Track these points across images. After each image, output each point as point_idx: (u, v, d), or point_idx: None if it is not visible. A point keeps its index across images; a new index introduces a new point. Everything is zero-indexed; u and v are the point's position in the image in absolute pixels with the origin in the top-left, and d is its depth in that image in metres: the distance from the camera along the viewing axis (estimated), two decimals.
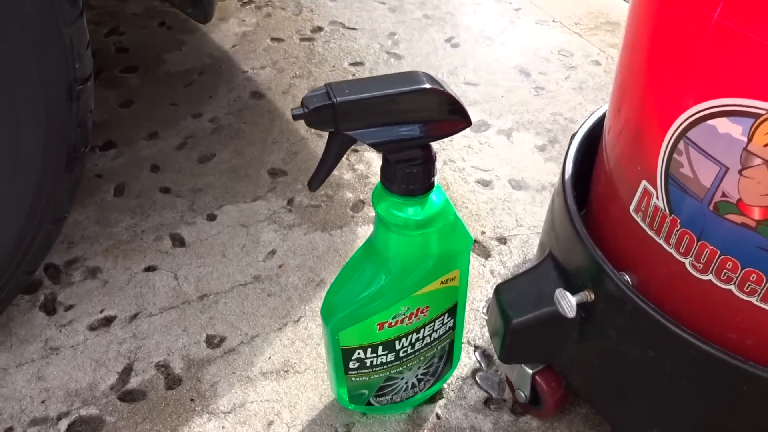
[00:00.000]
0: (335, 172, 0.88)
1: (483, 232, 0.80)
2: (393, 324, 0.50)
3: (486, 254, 0.77)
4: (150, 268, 0.75)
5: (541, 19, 1.23)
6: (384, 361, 0.53)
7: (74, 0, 0.53)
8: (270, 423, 0.60)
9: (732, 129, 0.36)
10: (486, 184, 0.87)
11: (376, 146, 0.42)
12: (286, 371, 0.64)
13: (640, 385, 0.49)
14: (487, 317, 0.67)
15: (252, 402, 0.62)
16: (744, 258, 0.39)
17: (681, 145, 0.39)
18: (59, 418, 0.61)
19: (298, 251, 0.77)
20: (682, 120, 0.38)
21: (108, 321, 0.69)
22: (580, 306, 0.49)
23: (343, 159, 0.90)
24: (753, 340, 0.43)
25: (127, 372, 0.65)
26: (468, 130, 0.95)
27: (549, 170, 0.89)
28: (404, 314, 0.50)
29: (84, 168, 0.63)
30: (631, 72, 0.45)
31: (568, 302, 0.48)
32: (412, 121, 0.42)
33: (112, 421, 0.60)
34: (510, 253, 0.78)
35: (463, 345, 0.67)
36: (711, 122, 0.37)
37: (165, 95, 1.04)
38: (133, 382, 0.64)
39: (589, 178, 0.58)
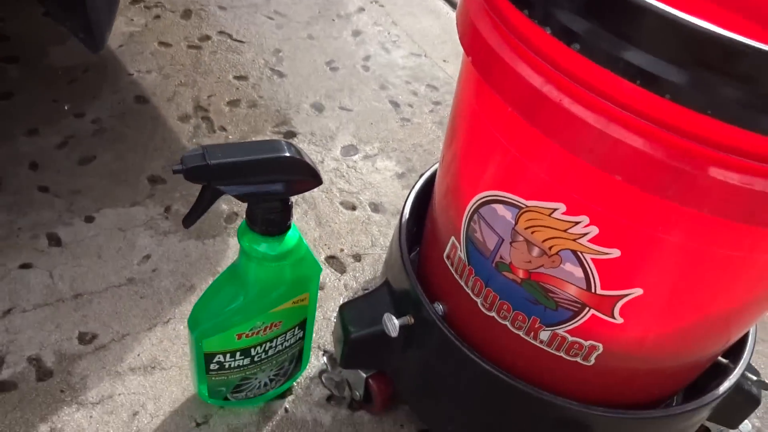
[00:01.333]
0: None
1: (341, 250, 0.92)
2: (250, 335, 0.61)
3: (342, 269, 0.89)
4: (25, 266, 0.80)
5: (415, 52, 1.36)
6: (241, 364, 0.63)
7: None
8: (135, 413, 0.68)
9: (505, 213, 0.49)
10: (349, 206, 0.99)
11: (241, 199, 0.52)
12: (153, 367, 0.72)
13: (443, 391, 0.63)
14: (333, 331, 0.78)
15: (119, 394, 0.69)
16: (514, 303, 0.53)
17: (476, 217, 0.53)
18: None
19: (171, 257, 0.85)
20: (476, 200, 0.52)
21: None
22: (403, 327, 0.62)
23: None
24: (522, 363, 0.57)
25: None
26: (338, 153, 1.07)
27: (404, 196, 1.02)
28: (260, 327, 0.61)
29: None
30: (448, 156, 0.58)
31: (393, 324, 0.60)
32: (273, 181, 0.53)
33: None
34: (363, 269, 0.90)
35: (313, 349, 0.78)
36: (493, 205, 0.50)
37: (47, 90, 1.06)
38: (5, 374, 0.69)
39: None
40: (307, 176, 0.53)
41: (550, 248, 0.47)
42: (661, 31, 0.33)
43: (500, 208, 0.49)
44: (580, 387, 0.55)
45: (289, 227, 0.57)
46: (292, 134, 1.09)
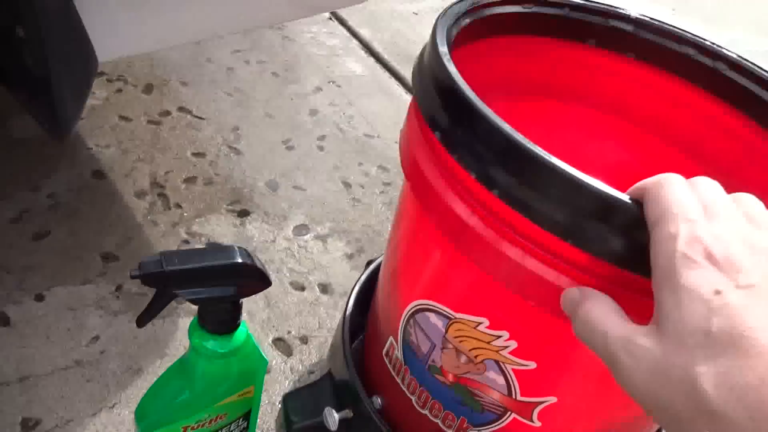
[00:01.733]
0: None
1: (289, 332, 0.95)
2: (195, 427, 0.62)
3: (288, 352, 0.92)
4: None
5: (368, 133, 1.43)
6: None
7: None
8: None
9: (437, 321, 0.54)
10: (298, 286, 1.02)
11: (194, 302, 0.55)
12: None
13: None
14: (276, 418, 0.80)
15: None
16: (445, 403, 0.57)
17: (411, 322, 0.57)
18: None
19: (120, 338, 0.86)
20: (412, 306, 0.56)
21: None
22: (343, 421, 0.65)
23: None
24: None
25: None
26: (290, 232, 1.11)
27: (353, 278, 1.06)
28: (206, 420, 0.63)
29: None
30: (389, 261, 0.62)
31: (333, 419, 0.64)
32: (226, 285, 0.56)
33: None
34: (309, 352, 0.92)
35: None
36: (426, 313, 0.55)
37: (4, 163, 1.08)
38: None
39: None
40: (257, 281, 0.57)
41: (475, 357, 0.52)
42: (561, 187, 0.38)
43: (432, 317, 0.54)
44: None
45: (238, 325, 0.60)
46: (246, 212, 1.12)
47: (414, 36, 1.83)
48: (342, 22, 1.83)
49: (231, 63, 1.53)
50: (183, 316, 0.91)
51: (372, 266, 0.78)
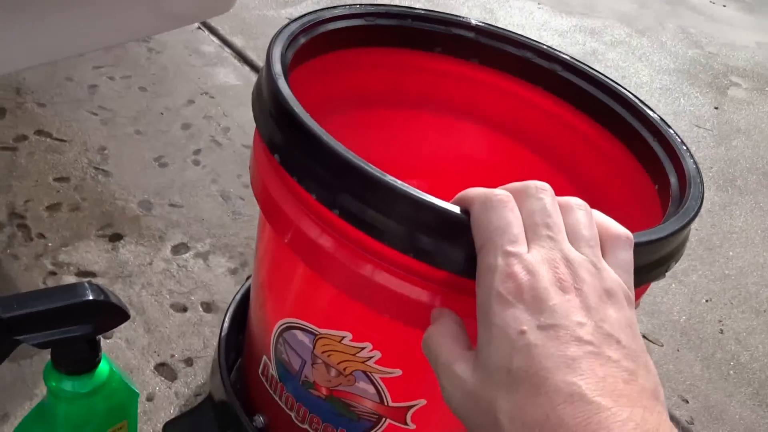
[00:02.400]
0: None
1: (172, 356, 0.92)
2: None
3: (173, 377, 0.89)
4: None
5: (246, 144, 1.41)
6: None
7: None
8: None
9: (304, 338, 0.54)
10: (179, 307, 0.99)
11: (43, 347, 0.53)
12: None
13: None
14: None
15: None
16: (323, 417, 0.57)
17: (281, 340, 0.57)
18: None
19: None
20: (279, 325, 0.56)
21: None
22: None
23: (39, 283, 0.95)
24: None
25: None
26: (168, 253, 1.07)
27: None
28: None
29: None
30: (255, 282, 0.62)
31: None
32: (79, 324, 0.53)
33: None
34: (195, 374, 0.90)
35: None
36: (294, 331, 0.55)
37: None
38: None
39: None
40: (114, 315, 0.55)
41: (344, 369, 0.52)
42: (395, 203, 0.40)
43: (299, 334, 0.54)
44: None
45: (98, 362, 0.57)
46: (118, 236, 1.08)
47: None
48: (213, 32, 1.79)
49: (93, 80, 1.45)
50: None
51: (248, 282, 0.77)
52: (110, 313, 0.55)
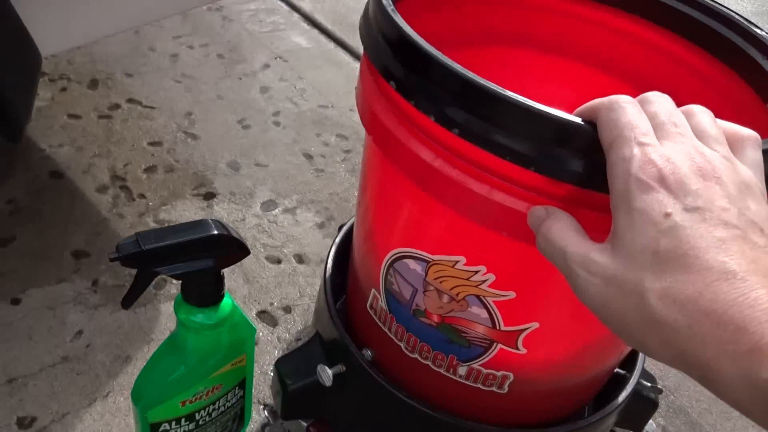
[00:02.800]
0: None
1: (271, 304, 0.96)
2: (193, 400, 0.64)
3: (274, 323, 0.94)
4: None
5: (322, 104, 1.44)
6: (186, 429, 0.66)
7: None
8: None
9: (416, 267, 0.56)
10: (274, 260, 1.04)
11: (176, 278, 0.57)
12: None
13: (378, 429, 0.68)
14: (271, 385, 0.82)
15: None
16: (433, 345, 0.59)
17: (391, 271, 0.59)
18: None
19: (104, 330, 0.86)
20: (390, 256, 0.58)
21: None
22: (337, 376, 0.67)
23: None
24: (446, 397, 0.62)
25: None
26: (258, 209, 1.12)
27: (326, 245, 1.08)
28: (202, 392, 0.64)
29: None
30: (361, 217, 0.64)
31: (326, 375, 0.66)
32: (205, 258, 0.57)
33: None
34: (294, 321, 0.94)
35: (254, 404, 0.82)
36: (405, 260, 0.57)
37: None
38: None
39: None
40: (235, 250, 0.58)
41: (457, 294, 0.54)
42: (517, 117, 0.40)
43: (411, 263, 0.56)
44: (499, 413, 0.62)
45: (222, 296, 0.61)
46: (211, 195, 1.13)
47: (354, 3, 1.82)
48: None
49: (174, 49, 1.51)
50: (163, 302, 0.92)
51: (345, 228, 0.80)
52: (233, 247, 0.58)
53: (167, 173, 1.15)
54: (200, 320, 0.60)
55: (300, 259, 1.04)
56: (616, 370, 0.70)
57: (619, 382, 0.70)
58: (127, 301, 0.57)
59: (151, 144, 1.21)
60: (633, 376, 0.70)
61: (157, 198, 1.09)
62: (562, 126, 0.39)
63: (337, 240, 0.78)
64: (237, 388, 0.69)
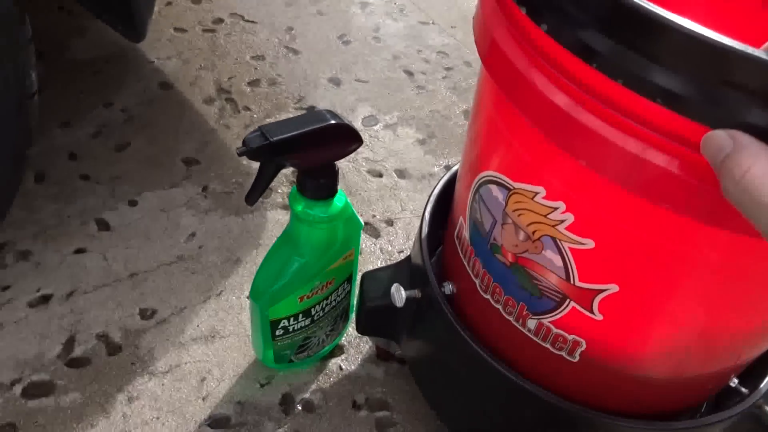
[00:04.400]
0: (244, 161, 1.00)
1: (374, 216, 0.96)
2: (310, 296, 0.65)
3: (376, 234, 0.93)
4: (79, 251, 0.84)
5: (422, 21, 1.39)
6: (303, 325, 0.67)
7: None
8: (203, 379, 0.73)
9: (498, 194, 0.51)
10: (376, 173, 1.02)
11: (299, 168, 0.56)
12: (212, 336, 0.77)
13: (438, 367, 0.66)
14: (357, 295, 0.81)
15: (186, 363, 0.74)
16: (505, 287, 0.54)
17: (477, 197, 0.54)
18: (12, 384, 0.70)
19: (215, 234, 0.89)
20: (479, 179, 0.53)
21: (45, 299, 0.78)
22: (410, 300, 0.64)
23: None
24: (513, 350, 0.58)
25: (70, 342, 0.74)
26: (359, 124, 1.10)
27: (428, 161, 1.06)
28: (318, 287, 0.65)
29: (25, 169, 0.71)
30: (467, 136, 0.60)
31: (399, 295, 0.64)
32: (327, 147, 0.56)
33: (63, 384, 0.70)
34: (396, 233, 0.94)
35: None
36: (490, 186, 0.52)
37: (73, 83, 1.09)
38: (77, 351, 0.74)
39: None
40: (353, 139, 0.57)
41: (533, 233, 0.49)
42: (682, 48, 0.33)
43: (494, 189, 0.51)
44: (566, 383, 0.56)
45: (336, 191, 0.61)
46: (313, 109, 1.12)
47: None
48: None
49: None
50: (270, 209, 0.93)
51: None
52: (349, 137, 0.57)
53: (270, 87, 1.15)
54: (318, 213, 0.60)
55: (401, 174, 1.03)
56: (732, 382, 0.59)
57: (729, 397, 0.60)
58: (252, 197, 0.57)
59: (254, 58, 1.21)
60: (752, 395, 0.58)
61: (262, 111, 1.10)
62: (747, 61, 0.31)
63: (450, 173, 0.74)
64: (345, 282, 0.69)
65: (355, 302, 0.74)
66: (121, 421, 0.68)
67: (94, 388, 0.70)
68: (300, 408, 0.72)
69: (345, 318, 0.75)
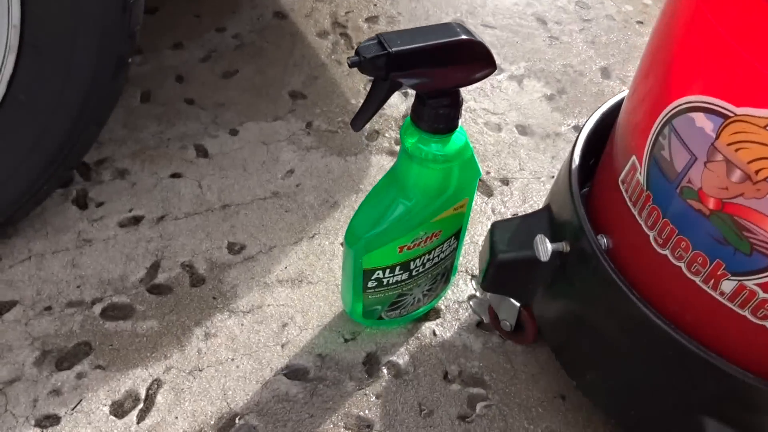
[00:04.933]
0: (353, 101, 0.92)
1: (488, 173, 0.86)
2: (411, 247, 0.56)
3: (489, 193, 0.83)
4: (175, 175, 0.80)
5: None
6: (399, 279, 0.59)
7: None
8: (284, 325, 0.67)
9: (705, 124, 0.41)
10: (494, 126, 0.92)
11: (418, 89, 0.47)
12: (300, 281, 0.71)
13: (589, 334, 0.56)
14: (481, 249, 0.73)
15: (268, 305, 0.68)
16: (695, 241, 0.44)
17: (666, 130, 0.44)
18: (93, 303, 0.67)
19: (314, 173, 0.82)
20: (671, 108, 0.43)
21: (136, 220, 0.75)
22: (555, 254, 0.55)
23: (360, 88, 0.94)
24: (693, 317, 0.48)
25: (154, 268, 0.70)
26: None
27: (554, 119, 0.94)
28: (422, 238, 0.56)
29: (126, 77, 0.66)
30: (646, 59, 0.49)
31: (545, 247, 0.54)
32: (451, 67, 0.47)
33: (142, 309, 0.67)
34: (511, 194, 0.83)
35: (460, 272, 0.73)
36: (691, 114, 0.42)
37: (188, 5, 1.05)
38: (161, 278, 0.70)
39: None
40: (485, 61, 0.48)
41: (756, 172, 0.39)
42: None
43: (700, 118, 0.41)
44: (763, 359, 0.46)
45: (457, 125, 0.51)
46: None
47: None
48: None
49: None
50: (375, 154, 0.85)
51: (613, 100, 0.64)
52: (482, 58, 0.47)
53: (389, 25, 1.06)
54: (433, 150, 0.51)
55: (523, 130, 0.92)
56: None
57: None
58: (359, 120, 0.49)
59: None
60: None
61: None
62: None
63: (605, 106, 0.63)
64: (453, 237, 0.60)
65: (480, 255, 0.64)
66: (195, 357, 0.64)
67: (172, 318, 0.66)
68: (385, 371, 0.65)
69: (446, 279, 0.66)
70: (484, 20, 1.10)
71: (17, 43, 0.59)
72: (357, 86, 0.95)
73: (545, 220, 0.62)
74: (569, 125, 0.93)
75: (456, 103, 0.50)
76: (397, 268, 0.58)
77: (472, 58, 0.47)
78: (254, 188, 0.80)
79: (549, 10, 1.14)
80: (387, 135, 0.88)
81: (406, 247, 0.56)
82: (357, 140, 0.87)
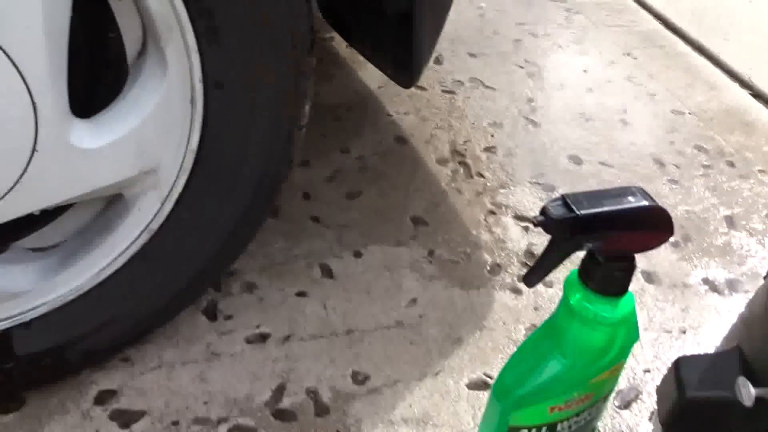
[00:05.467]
0: (473, 231, 0.93)
1: None
2: (563, 407, 0.54)
3: None
4: (301, 293, 0.81)
5: (676, 109, 1.25)
6: None
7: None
8: None
9: None
10: None
11: (601, 253, 0.47)
12: (425, 422, 0.68)
13: None
14: (659, 385, 0.67)
15: None
16: None
17: None
18: (219, 422, 0.66)
19: (437, 304, 0.82)
20: None
21: (263, 337, 0.75)
22: (759, 399, 0.51)
23: (480, 220, 0.95)
24: None
25: (280, 390, 0.70)
26: None
27: (681, 269, 0.91)
28: (574, 400, 0.54)
29: (276, 199, 0.69)
30: None
31: (748, 392, 0.51)
32: (633, 232, 0.46)
33: None
34: (640, 345, 0.80)
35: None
36: None
37: (315, 126, 1.11)
38: (286, 402, 0.69)
39: None
40: (665, 228, 0.47)
41: None
42: None
43: None
44: None
45: (628, 288, 0.50)
46: (551, 187, 1.03)
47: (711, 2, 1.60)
48: None
49: (517, 35, 1.45)
50: (499, 290, 0.84)
51: None
52: (663, 225, 0.47)
53: (506, 156, 1.08)
54: (600, 311, 0.50)
55: (649, 278, 0.89)
56: None
57: None
58: (534, 278, 0.49)
59: (491, 125, 1.16)
60: None
61: (496, 180, 1.03)
62: None
63: None
64: (602, 400, 0.58)
65: (666, 396, 0.60)
66: None
67: None
68: None
69: None
70: (601, 158, 1.11)
71: (191, 167, 0.62)
72: (477, 216, 0.96)
73: (737, 360, 0.58)
74: (698, 278, 0.90)
75: (630, 267, 0.49)
76: (544, 428, 0.55)
77: (654, 225, 0.47)
78: (378, 315, 0.79)
79: (666, 152, 1.14)
80: (509, 270, 0.87)
81: (557, 408, 0.54)
82: (479, 273, 0.87)
